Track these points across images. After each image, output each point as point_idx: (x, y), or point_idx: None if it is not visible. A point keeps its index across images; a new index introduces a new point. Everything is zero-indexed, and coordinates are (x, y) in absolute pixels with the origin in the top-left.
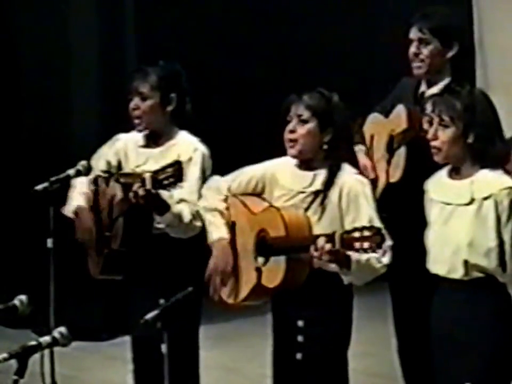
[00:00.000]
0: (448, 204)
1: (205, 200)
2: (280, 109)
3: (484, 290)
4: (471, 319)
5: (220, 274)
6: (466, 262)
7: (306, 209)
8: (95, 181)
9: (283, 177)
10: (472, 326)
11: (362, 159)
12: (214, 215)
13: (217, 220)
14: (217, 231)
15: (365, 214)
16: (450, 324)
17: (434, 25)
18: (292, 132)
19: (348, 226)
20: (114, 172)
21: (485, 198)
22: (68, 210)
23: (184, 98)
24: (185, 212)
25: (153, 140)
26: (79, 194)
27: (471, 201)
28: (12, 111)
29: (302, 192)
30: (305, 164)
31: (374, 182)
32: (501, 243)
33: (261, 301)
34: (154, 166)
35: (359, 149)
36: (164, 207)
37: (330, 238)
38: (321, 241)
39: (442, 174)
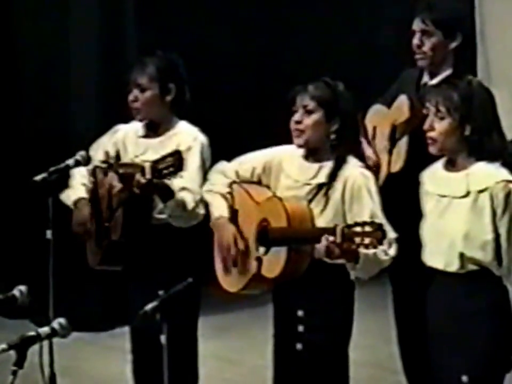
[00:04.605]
0: (444, 196)
1: (209, 183)
2: (280, 99)
3: (480, 283)
4: (467, 312)
5: (226, 251)
6: (462, 255)
7: (310, 201)
8: (93, 172)
9: (289, 167)
10: (468, 318)
11: (367, 150)
12: (215, 196)
13: (217, 200)
14: (217, 211)
15: (367, 208)
16: (447, 317)
17: (438, 17)
18: (298, 122)
19: (350, 220)
20: (113, 162)
21: (481, 191)
22: (69, 198)
23: (183, 87)
24: (188, 199)
25: (153, 130)
26: (80, 185)
27: (467, 193)
28: (11, 102)
29: (308, 184)
30: (312, 154)
31: (375, 174)
32: (497, 236)
33: (261, 290)
34: (153, 155)
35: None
36: (168, 193)
37: (331, 231)
38: (325, 238)
39: (438, 166)
